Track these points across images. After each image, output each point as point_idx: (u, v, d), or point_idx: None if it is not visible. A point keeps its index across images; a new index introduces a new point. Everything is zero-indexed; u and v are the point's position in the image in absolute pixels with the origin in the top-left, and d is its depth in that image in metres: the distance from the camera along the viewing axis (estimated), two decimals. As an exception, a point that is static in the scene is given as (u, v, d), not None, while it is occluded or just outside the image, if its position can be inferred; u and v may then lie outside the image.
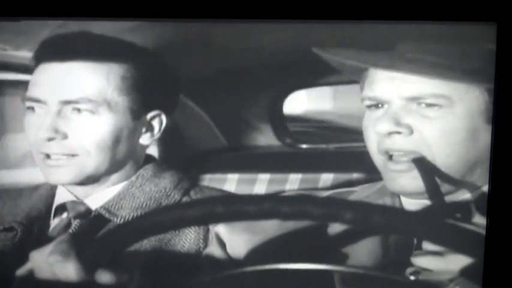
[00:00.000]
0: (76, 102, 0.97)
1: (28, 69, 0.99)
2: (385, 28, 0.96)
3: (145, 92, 0.99)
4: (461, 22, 0.93)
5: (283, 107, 1.04)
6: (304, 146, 1.05)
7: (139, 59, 0.98)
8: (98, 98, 0.97)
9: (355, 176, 1.03)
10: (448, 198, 0.97)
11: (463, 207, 0.97)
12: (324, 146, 1.04)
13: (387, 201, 1.00)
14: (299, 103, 1.04)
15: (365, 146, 1.00)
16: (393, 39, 0.96)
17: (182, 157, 1.04)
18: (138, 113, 0.99)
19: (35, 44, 0.98)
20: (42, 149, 0.98)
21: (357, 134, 1.00)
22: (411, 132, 0.94)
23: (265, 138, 1.04)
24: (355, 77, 0.99)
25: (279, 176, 1.03)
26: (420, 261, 0.94)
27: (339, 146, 1.03)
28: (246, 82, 1.01)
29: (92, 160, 0.99)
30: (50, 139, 0.97)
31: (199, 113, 1.03)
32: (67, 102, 0.97)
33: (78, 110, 0.97)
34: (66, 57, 0.97)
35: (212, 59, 0.98)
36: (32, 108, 0.99)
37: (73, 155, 0.98)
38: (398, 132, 0.94)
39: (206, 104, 1.03)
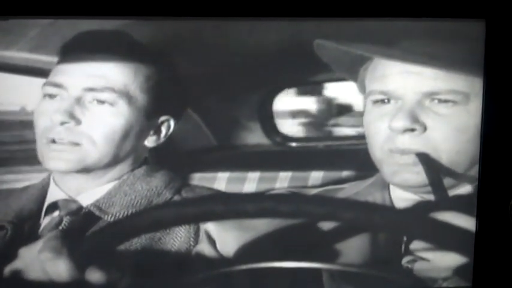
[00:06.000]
0: (100, 90, 0.98)
1: (16, 69, 0.99)
2: (379, 25, 0.96)
3: (163, 96, 1.00)
4: (452, 19, 0.93)
5: (272, 105, 1.03)
6: (293, 144, 1.05)
7: (163, 64, 1.00)
8: (121, 90, 0.98)
9: (345, 173, 1.02)
10: (451, 192, 0.98)
11: (465, 201, 0.97)
12: (313, 144, 1.04)
13: (377, 197, 1.00)
14: (289, 101, 1.04)
15: (356, 144, 1.00)
16: (387, 36, 0.96)
17: (173, 156, 1.04)
18: (151, 115, 1.01)
19: (24, 43, 0.98)
20: (50, 134, 0.99)
21: (349, 130, 1.01)
22: (425, 129, 0.94)
23: (255, 136, 1.04)
24: (345, 74, 0.99)
25: (268, 174, 1.03)
26: (419, 251, 0.94)
27: (328, 143, 1.03)
28: (235, 81, 1.01)
29: (96, 151, 0.99)
30: (63, 123, 0.98)
31: (188, 112, 1.03)
32: (90, 90, 0.98)
33: (98, 100, 0.98)
34: (97, 52, 0.98)
35: (201, 58, 0.98)
36: (49, 96, 1.00)
37: (78, 144, 0.99)
38: (413, 130, 0.95)
39: (195, 103, 1.03)
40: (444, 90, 0.93)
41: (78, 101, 0.98)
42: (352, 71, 0.99)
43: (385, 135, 0.96)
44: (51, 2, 0.93)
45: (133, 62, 0.99)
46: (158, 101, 1.00)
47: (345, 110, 1.01)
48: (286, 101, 1.03)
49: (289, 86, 1.03)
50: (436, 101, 0.94)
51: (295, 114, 1.03)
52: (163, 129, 1.02)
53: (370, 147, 0.98)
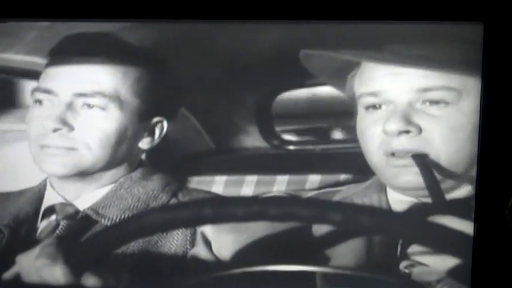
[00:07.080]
0: (90, 95, 0.98)
1: (13, 71, 0.99)
2: (374, 28, 0.96)
3: (154, 98, 1.01)
4: (449, 22, 0.93)
5: (270, 108, 1.03)
6: (291, 147, 1.05)
7: (154, 65, 1.00)
8: (112, 95, 0.98)
9: (343, 177, 1.02)
10: (449, 196, 0.97)
11: (462, 204, 0.97)
12: (310, 147, 1.04)
13: (374, 199, 1.00)
14: (287, 104, 1.04)
15: (353, 147, 0.99)
16: (382, 39, 0.96)
17: (170, 160, 1.04)
18: (144, 117, 1.01)
19: (21, 45, 0.98)
20: (43, 141, 0.99)
21: (346, 134, 1.01)
22: (420, 131, 0.94)
23: (253, 140, 1.04)
24: (334, 83, 0.99)
25: (266, 178, 1.03)
26: (417, 255, 0.94)
27: (326, 147, 1.03)
28: (233, 83, 1.01)
29: (91, 155, 0.99)
30: (56, 129, 0.98)
31: (186, 115, 1.03)
32: (81, 95, 0.98)
33: (89, 105, 0.98)
34: (85, 55, 0.98)
35: (198, 61, 0.98)
36: (39, 101, 1.00)
37: (72, 149, 0.99)
38: (408, 132, 0.94)
39: (193, 106, 1.03)
40: (435, 86, 0.93)
41: (69, 106, 0.98)
42: (340, 79, 0.99)
43: (380, 139, 0.96)
44: (48, 4, 0.93)
45: (123, 64, 0.99)
46: (150, 102, 1.00)
47: (342, 113, 1.01)
48: (284, 104, 1.03)
49: (287, 89, 1.03)
50: (427, 103, 0.94)
51: (292, 117, 1.03)
52: (157, 131, 1.02)
53: (366, 154, 0.98)
